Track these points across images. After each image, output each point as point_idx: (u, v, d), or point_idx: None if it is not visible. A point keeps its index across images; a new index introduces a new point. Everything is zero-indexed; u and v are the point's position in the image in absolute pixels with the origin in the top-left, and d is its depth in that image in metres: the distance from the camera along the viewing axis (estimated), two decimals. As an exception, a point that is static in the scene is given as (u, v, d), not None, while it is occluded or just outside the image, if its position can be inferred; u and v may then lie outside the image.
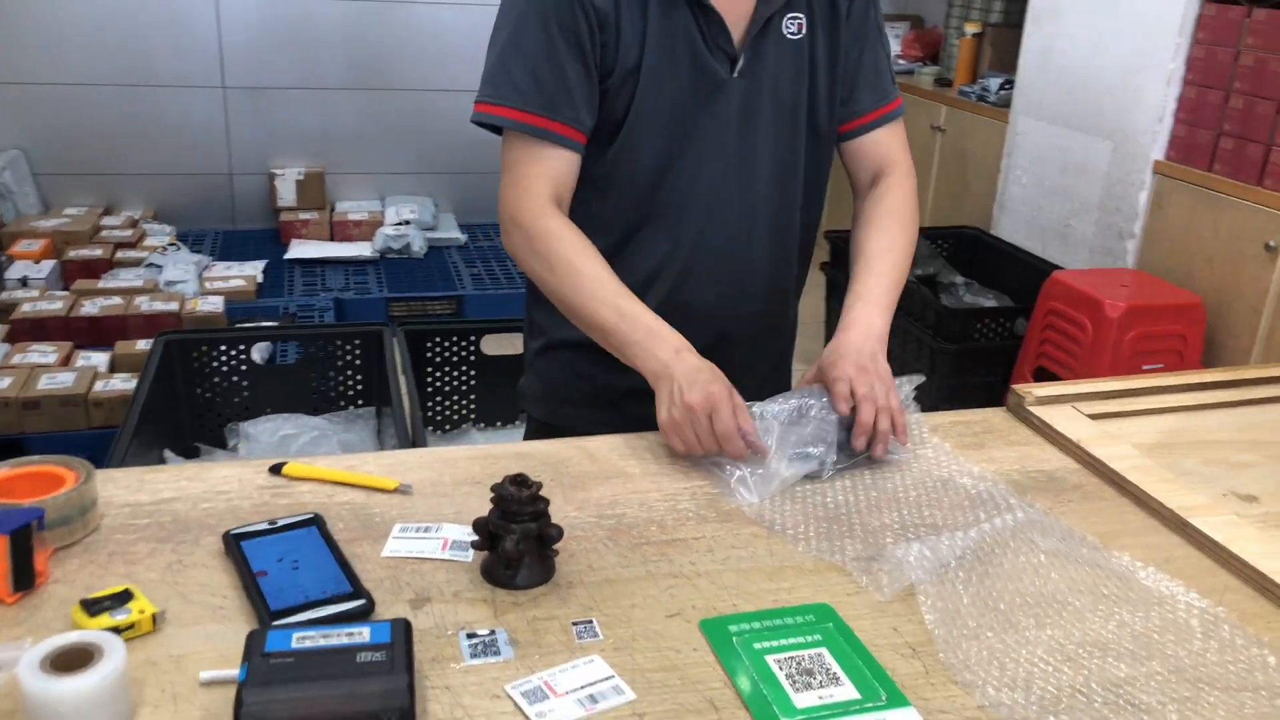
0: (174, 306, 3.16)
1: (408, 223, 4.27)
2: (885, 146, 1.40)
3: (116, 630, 0.78)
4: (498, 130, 1.25)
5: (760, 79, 1.28)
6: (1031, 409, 1.28)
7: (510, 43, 1.23)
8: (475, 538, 0.92)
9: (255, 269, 3.80)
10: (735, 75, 1.26)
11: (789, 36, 1.28)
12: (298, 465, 1.07)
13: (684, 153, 1.27)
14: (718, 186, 1.29)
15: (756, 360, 1.40)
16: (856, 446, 1.13)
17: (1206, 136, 2.87)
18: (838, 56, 1.32)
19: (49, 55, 4.02)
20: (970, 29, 4.19)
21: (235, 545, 0.91)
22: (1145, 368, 2.71)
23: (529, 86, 1.21)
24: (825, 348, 1.24)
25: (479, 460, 1.12)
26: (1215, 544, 1.01)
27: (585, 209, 1.28)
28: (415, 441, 2.01)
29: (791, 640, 0.85)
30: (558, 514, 0.98)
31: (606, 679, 0.80)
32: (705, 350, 1.19)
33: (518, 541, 0.89)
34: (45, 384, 2.62)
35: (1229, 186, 2.78)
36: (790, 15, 1.28)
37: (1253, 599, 0.95)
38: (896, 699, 0.80)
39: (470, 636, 0.84)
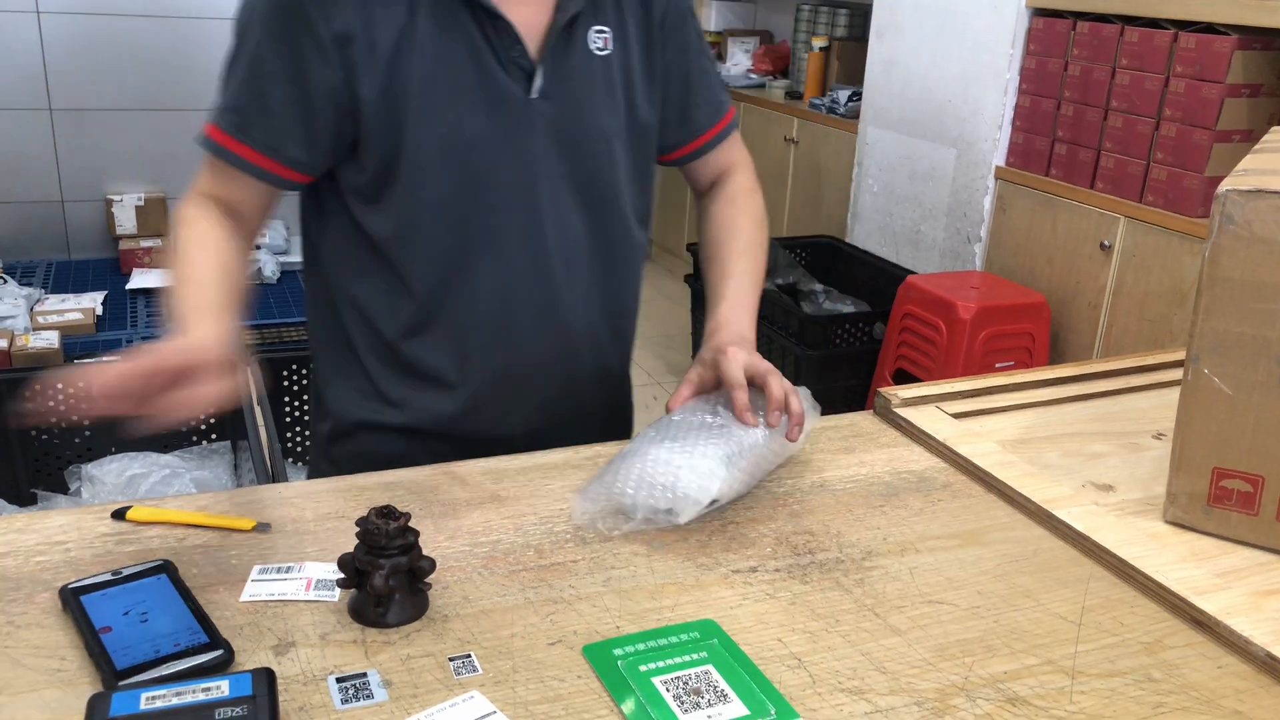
0: (2, 344, 2.95)
1: (258, 247, 4.11)
2: (725, 155, 1.35)
3: (-63, 705, 0.71)
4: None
5: (566, 101, 1.13)
6: (898, 410, 1.30)
7: (230, 60, 1.10)
8: (341, 575, 0.87)
9: (94, 300, 3.60)
10: (535, 96, 1.12)
11: (596, 52, 1.15)
12: (144, 509, 0.99)
13: (482, 191, 1.11)
14: (529, 229, 1.15)
15: (597, 403, 1.31)
16: (771, 423, 1.08)
17: (1042, 143, 3.01)
18: (655, 74, 1.21)
19: None
20: (818, 43, 4.31)
21: (74, 600, 0.84)
22: (998, 365, 2.82)
23: (230, 104, 1.09)
24: (703, 347, 1.18)
25: (342, 493, 1.07)
26: (1078, 534, 1.04)
27: (384, 274, 1.15)
28: (275, 475, 1.92)
29: (677, 660, 0.83)
30: (429, 545, 0.94)
31: (488, 715, 0.76)
32: (546, 403, 1.15)
33: (387, 577, 0.84)
34: None
35: (1065, 190, 2.93)
36: (596, 29, 1.14)
37: (1116, 586, 0.99)
38: (785, 712, 0.78)
39: (340, 680, 0.79)
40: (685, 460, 1.02)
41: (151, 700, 0.67)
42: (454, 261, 1.14)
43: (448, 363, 1.19)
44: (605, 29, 1.16)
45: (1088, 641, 0.90)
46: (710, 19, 5.25)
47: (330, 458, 1.24)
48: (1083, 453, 1.24)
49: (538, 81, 1.11)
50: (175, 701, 0.67)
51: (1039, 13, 3.00)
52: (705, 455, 1.03)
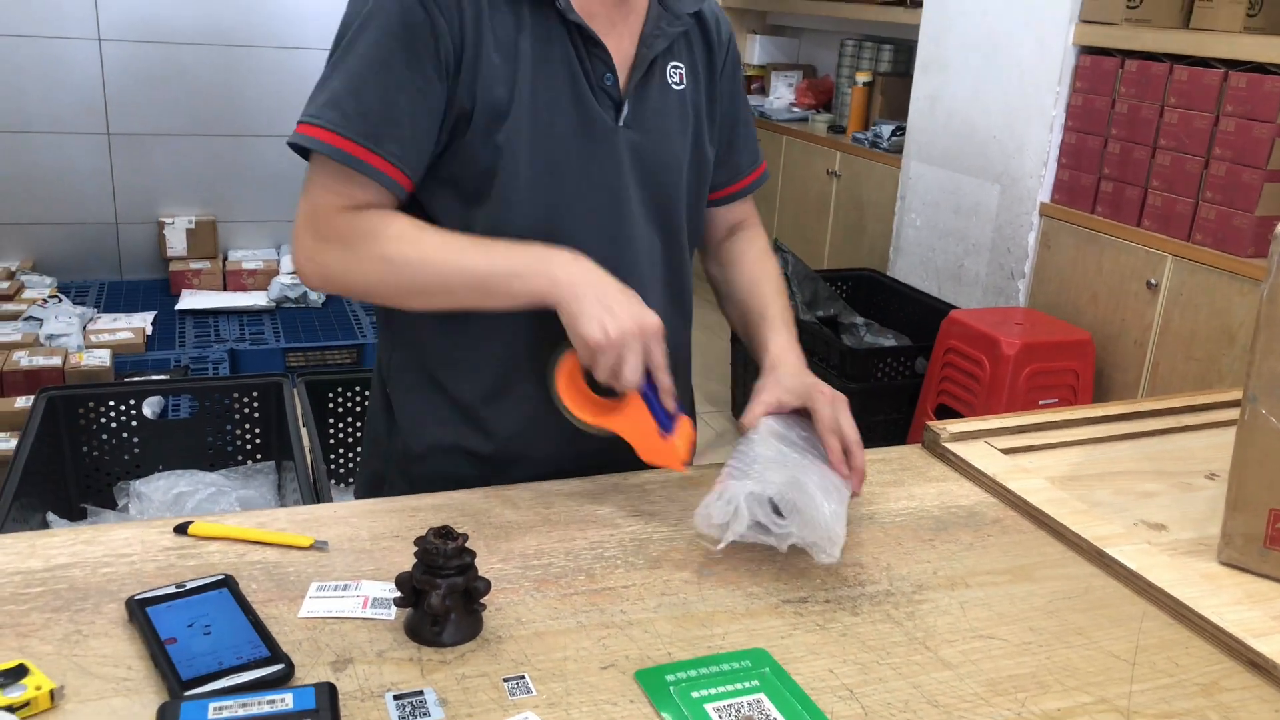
0: (56, 361, 3.02)
1: (305, 271, 4.17)
2: (748, 206, 1.38)
3: (10, 709, 0.73)
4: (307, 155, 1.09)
5: (648, 132, 1.15)
6: (947, 445, 1.29)
7: (341, 62, 1.06)
8: (398, 594, 0.88)
9: (144, 320, 3.67)
10: (621, 124, 1.14)
11: (674, 87, 1.18)
12: (205, 524, 1.01)
13: (567, 214, 1.12)
14: (609, 254, 1.13)
15: None
16: (855, 491, 1.09)
17: (1088, 180, 3.00)
18: (715, 113, 1.24)
19: (-83, 100, 3.85)
20: (861, 78, 4.33)
21: (140, 611, 0.85)
22: (1041, 402, 2.80)
23: (352, 110, 1.04)
24: (779, 374, 1.17)
25: (396, 513, 1.08)
26: (1131, 573, 1.03)
27: None
28: (319, 495, 1.95)
29: (729, 687, 0.84)
30: (482, 566, 0.95)
31: (543, 737, 0.77)
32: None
33: (444, 597, 0.86)
34: (-85, 446, 2.47)
35: (1110, 227, 2.92)
36: (673, 64, 1.18)
37: (1169, 626, 0.98)
38: (838, 742, 0.79)
39: (397, 698, 0.80)
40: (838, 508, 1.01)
41: (219, 710, 0.69)
42: None
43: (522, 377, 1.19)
44: (680, 64, 1.19)
45: (1143, 681, 0.89)
46: (754, 53, 5.29)
47: (409, 477, 1.22)
48: (1133, 491, 1.23)
49: (625, 110, 1.14)
50: (242, 713, 0.69)
51: (1086, 50, 3.00)
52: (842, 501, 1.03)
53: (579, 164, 1.12)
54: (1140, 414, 1.43)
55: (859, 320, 3.53)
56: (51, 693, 0.76)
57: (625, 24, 1.15)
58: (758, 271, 1.32)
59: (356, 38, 1.06)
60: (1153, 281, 2.77)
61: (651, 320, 1.04)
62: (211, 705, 0.69)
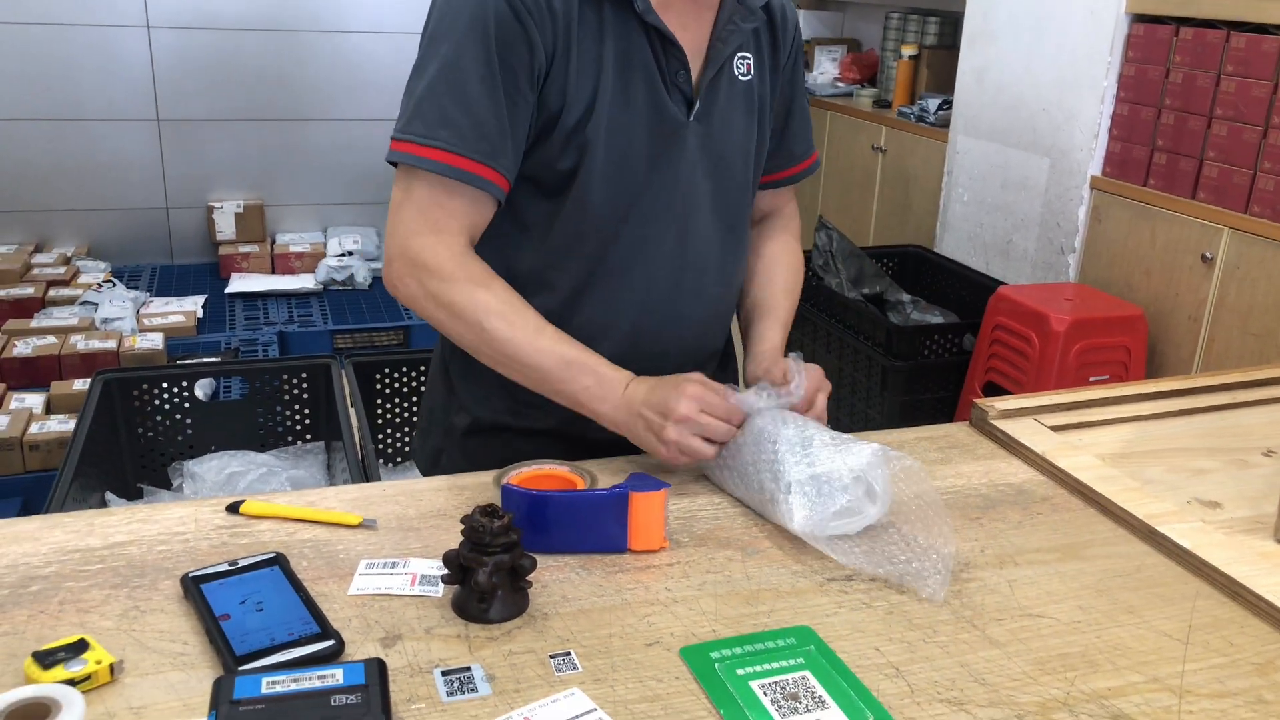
0: (111, 344, 3.08)
1: (350, 254, 4.22)
2: (790, 195, 1.39)
3: (72, 683, 0.75)
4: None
5: (714, 124, 1.18)
6: (995, 423, 1.28)
7: (441, 75, 1.07)
8: (445, 571, 0.89)
9: (195, 304, 3.73)
10: (692, 119, 1.16)
11: (740, 78, 1.20)
12: (256, 503, 1.03)
13: (636, 205, 1.16)
14: (674, 245, 1.19)
15: None
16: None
17: (1141, 152, 2.94)
18: (774, 102, 1.26)
19: (-26, 90, 3.93)
20: (907, 51, 4.27)
21: (195, 588, 0.87)
22: (1092, 379, 2.75)
23: (464, 125, 1.06)
24: (765, 360, 1.22)
25: (444, 492, 1.10)
26: (1184, 551, 1.02)
27: (523, 264, 1.18)
28: (367, 475, 1.97)
29: (774, 665, 0.84)
30: (528, 544, 0.95)
31: (589, 712, 0.77)
32: None
33: (491, 574, 0.86)
34: (-22, 428, 2.53)
35: (1164, 200, 2.85)
36: (741, 55, 1.20)
37: (1224, 605, 0.96)
38: (883, 719, 0.78)
39: (445, 674, 0.81)
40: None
41: (272, 685, 0.70)
42: (600, 270, 1.18)
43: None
44: (748, 55, 1.21)
45: (1195, 660, 0.88)
46: (797, 28, 5.23)
47: (465, 450, 1.26)
48: (1187, 468, 1.21)
49: (696, 105, 1.16)
50: (294, 687, 0.70)
51: (1139, 19, 2.93)
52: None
53: (650, 160, 1.15)
54: (1195, 390, 1.41)
55: (905, 297, 3.49)
56: (111, 667, 0.78)
57: (699, 19, 1.17)
58: (774, 267, 1.33)
59: (456, 50, 1.07)
60: (1208, 255, 2.71)
61: (685, 404, 1.06)
62: (265, 680, 0.71)
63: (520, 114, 1.09)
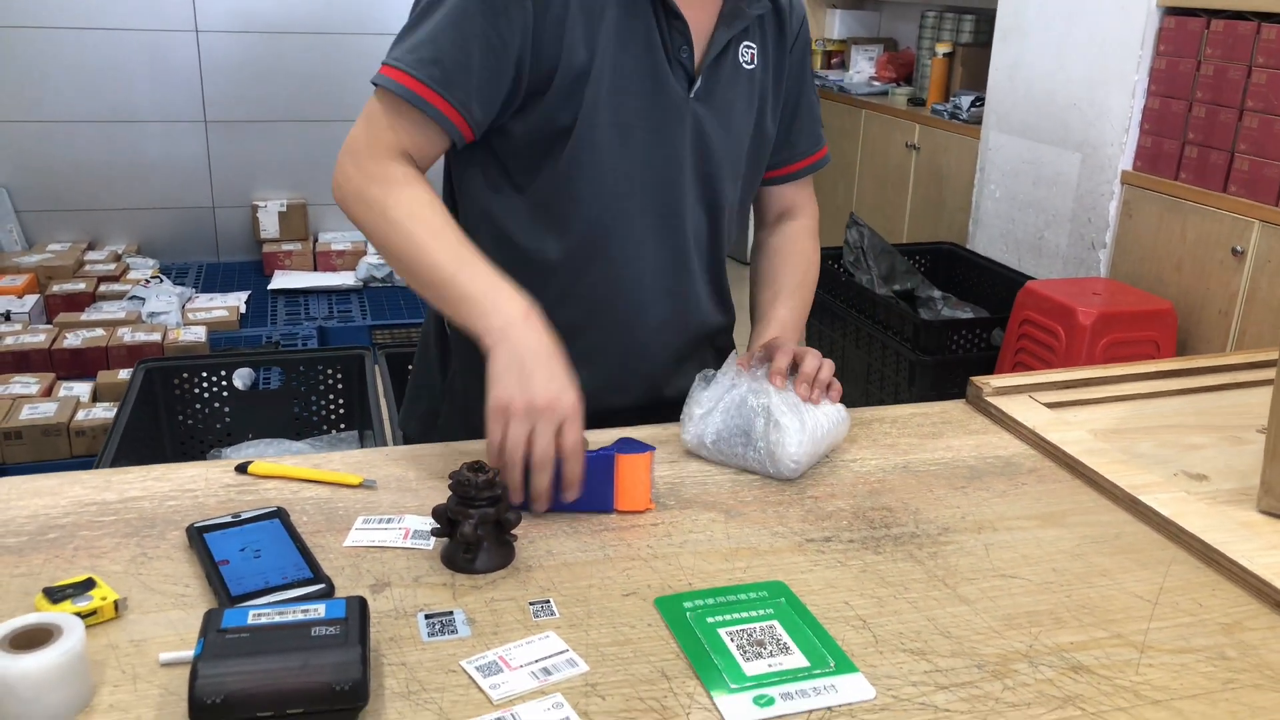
0: (156, 337, 3.18)
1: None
2: (804, 190, 1.40)
3: (79, 616, 0.80)
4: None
5: (714, 106, 1.19)
6: (989, 399, 1.30)
7: (425, 15, 1.11)
8: (435, 525, 0.94)
9: (238, 300, 3.83)
10: (693, 96, 1.18)
11: (744, 65, 1.22)
12: (264, 464, 1.08)
13: (628, 176, 1.17)
14: (663, 218, 1.21)
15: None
16: (800, 394, 1.13)
17: (1172, 146, 2.92)
18: (780, 94, 1.28)
19: (31, 93, 4.07)
20: (941, 49, 4.26)
21: (199, 537, 0.93)
22: (1118, 373, 2.73)
23: (426, 54, 1.09)
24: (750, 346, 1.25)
25: (444, 456, 1.14)
26: (1163, 519, 1.03)
27: (524, 243, 1.19)
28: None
29: (744, 614, 0.87)
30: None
31: (560, 653, 0.81)
32: (653, 385, 1.22)
33: (475, 526, 0.91)
34: (27, 414, 2.64)
35: (1195, 194, 2.83)
36: (745, 43, 1.22)
37: (1198, 569, 0.97)
38: (845, 666, 0.81)
39: (428, 617, 0.85)
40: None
41: (258, 617, 0.75)
42: (591, 239, 1.19)
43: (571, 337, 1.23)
44: (753, 45, 1.23)
45: (1162, 620, 0.89)
46: (834, 27, 5.24)
47: (464, 414, 1.25)
48: (1179, 444, 1.22)
49: (697, 83, 1.18)
50: (278, 619, 0.75)
51: (1170, 11, 2.91)
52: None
53: (648, 131, 1.16)
54: (1194, 370, 1.41)
55: (936, 294, 3.49)
56: (116, 604, 0.83)
57: (706, 0, 1.18)
58: (785, 266, 1.35)
59: None
60: (1239, 249, 2.69)
61: (568, 400, 0.99)
62: (251, 611, 0.75)
63: (496, 61, 1.09)
